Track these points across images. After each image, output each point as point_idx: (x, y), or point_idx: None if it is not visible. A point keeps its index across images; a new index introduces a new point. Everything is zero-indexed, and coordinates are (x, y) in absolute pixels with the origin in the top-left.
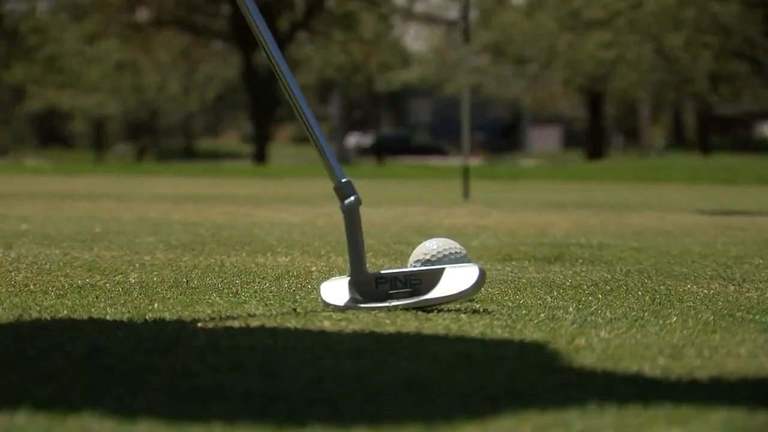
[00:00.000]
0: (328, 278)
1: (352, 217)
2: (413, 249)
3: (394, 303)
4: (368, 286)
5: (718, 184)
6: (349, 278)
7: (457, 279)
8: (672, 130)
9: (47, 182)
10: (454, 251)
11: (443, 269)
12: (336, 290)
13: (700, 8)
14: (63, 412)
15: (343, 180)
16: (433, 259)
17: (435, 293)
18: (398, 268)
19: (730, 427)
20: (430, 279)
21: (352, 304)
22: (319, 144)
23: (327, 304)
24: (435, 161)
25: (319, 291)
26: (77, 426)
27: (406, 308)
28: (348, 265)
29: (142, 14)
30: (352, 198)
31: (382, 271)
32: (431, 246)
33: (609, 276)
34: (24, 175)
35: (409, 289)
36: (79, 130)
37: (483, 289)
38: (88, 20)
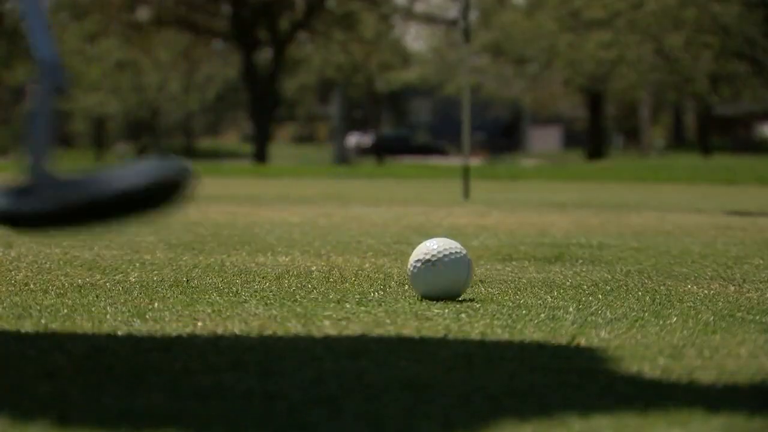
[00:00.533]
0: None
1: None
2: (413, 249)
3: None
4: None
5: (718, 185)
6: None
7: None
8: (672, 130)
9: None
10: (455, 251)
11: None
12: None
13: (700, 8)
14: (63, 411)
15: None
16: (434, 258)
17: None
18: None
19: (731, 428)
20: None
21: None
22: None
23: None
24: (435, 161)
25: None
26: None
27: None
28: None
29: (143, 13)
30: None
31: None
32: (431, 246)
33: (609, 276)
34: None
35: None
36: (79, 130)
37: (484, 289)
38: (89, 19)
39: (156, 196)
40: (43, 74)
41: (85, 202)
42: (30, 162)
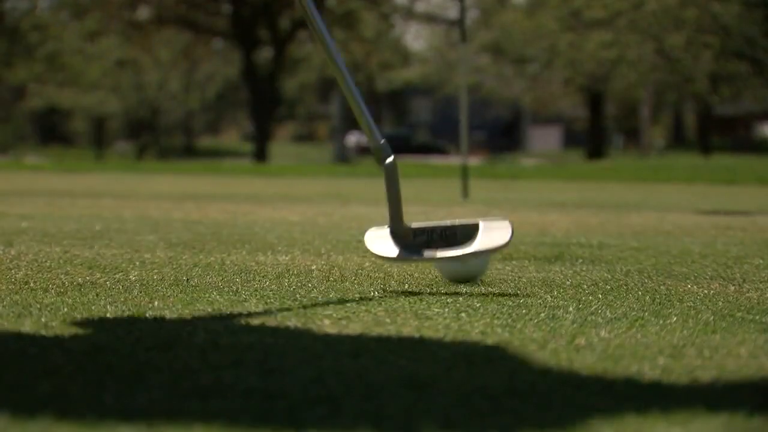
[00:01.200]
0: (369, 228)
1: (391, 175)
2: None
3: (432, 253)
4: (407, 238)
5: (718, 184)
6: (389, 229)
7: (491, 234)
8: (672, 130)
9: (48, 180)
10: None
11: (477, 224)
12: (380, 241)
13: (700, 8)
14: (63, 408)
15: (382, 141)
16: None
17: (472, 247)
18: (434, 222)
19: (731, 427)
20: (464, 233)
21: (403, 255)
22: (359, 106)
23: (376, 255)
24: (435, 160)
25: (365, 241)
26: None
27: (444, 260)
28: (388, 218)
29: (143, 12)
30: (391, 158)
31: (418, 224)
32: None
33: (609, 276)
34: (24, 173)
35: (445, 242)
36: (79, 128)
37: (484, 288)
38: (89, 18)
39: None
40: None
41: None
42: None
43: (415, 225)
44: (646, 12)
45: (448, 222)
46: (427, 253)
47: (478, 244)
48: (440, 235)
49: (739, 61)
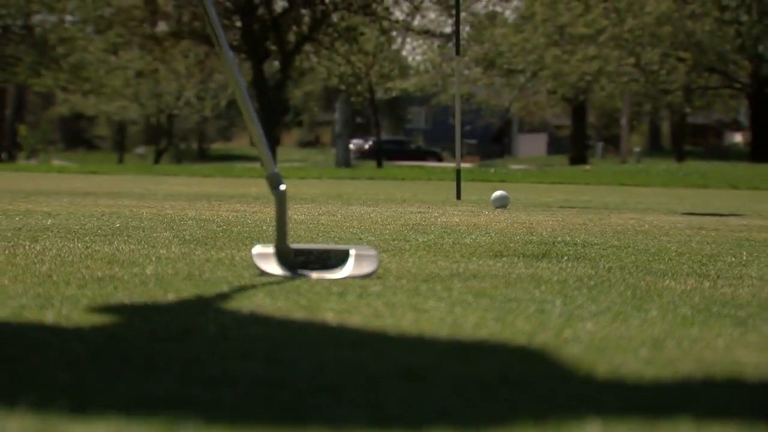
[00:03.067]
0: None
1: (281, 201)
2: (411, 246)
3: (306, 273)
4: (288, 257)
5: (691, 188)
6: (275, 248)
7: (360, 262)
8: (648, 137)
9: (72, 181)
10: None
11: (348, 251)
12: (266, 258)
13: (675, 26)
14: (81, 396)
15: (275, 171)
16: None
17: (342, 273)
18: (312, 244)
19: (710, 413)
20: (337, 257)
21: (284, 272)
22: (258, 135)
23: (262, 271)
24: (430, 165)
25: (253, 257)
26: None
27: (315, 279)
28: (276, 238)
29: (162, 27)
30: (283, 186)
31: (298, 246)
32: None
33: (593, 272)
34: (51, 175)
35: (319, 265)
36: (102, 134)
37: (477, 283)
38: (112, 32)
39: None
40: None
41: None
42: None
43: (295, 246)
44: (625, 29)
45: (324, 246)
46: (304, 273)
47: (348, 270)
48: (317, 257)
49: (711, 74)
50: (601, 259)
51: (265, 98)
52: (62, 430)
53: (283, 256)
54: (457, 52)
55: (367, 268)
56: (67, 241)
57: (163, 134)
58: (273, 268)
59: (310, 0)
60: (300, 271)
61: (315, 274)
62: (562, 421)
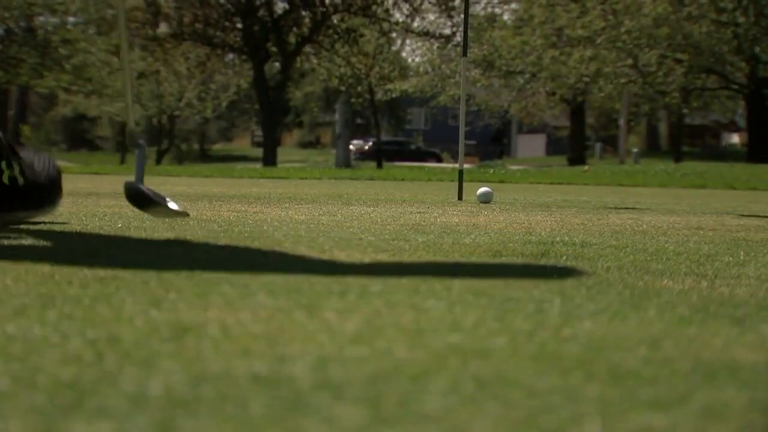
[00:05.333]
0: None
1: (142, 152)
2: (410, 245)
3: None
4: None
5: (689, 189)
6: (144, 188)
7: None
8: (646, 138)
9: (75, 181)
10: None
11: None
12: (154, 202)
13: (673, 27)
14: (82, 393)
15: (134, 126)
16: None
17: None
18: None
19: (709, 412)
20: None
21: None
22: (129, 89)
23: (173, 212)
24: (430, 166)
25: (169, 207)
26: (96, 405)
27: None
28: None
29: (163, 29)
30: (143, 140)
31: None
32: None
33: (591, 272)
34: None
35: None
36: (105, 134)
37: (475, 283)
38: (114, 34)
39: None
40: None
41: None
42: None
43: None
44: (622, 31)
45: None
46: (172, 204)
47: (174, 205)
48: (156, 194)
49: (708, 76)
50: (600, 259)
51: (265, 99)
52: (62, 429)
53: (143, 191)
54: (464, 54)
55: (178, 207)
56: (69, 241)
57: (165, 135)
58: (172, 204)
59: (311, 1)
60: (168, 200)
61: (171, 204)
62: (560, 420)
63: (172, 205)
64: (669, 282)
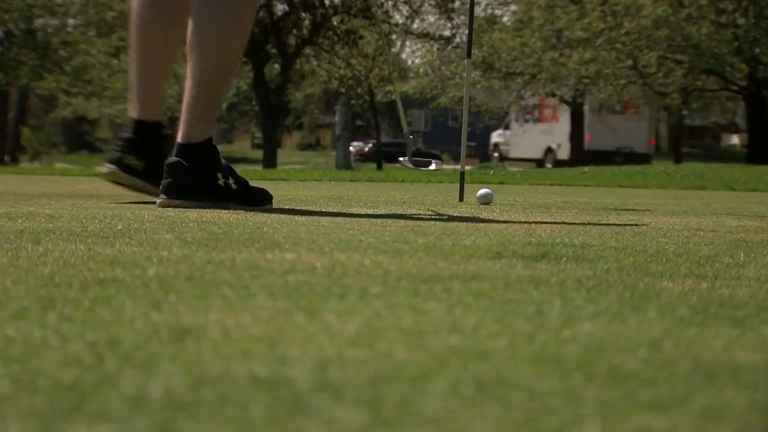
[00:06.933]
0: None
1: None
2: (410, 247)
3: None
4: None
5: (689, 190)
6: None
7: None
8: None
9: (75, 183)
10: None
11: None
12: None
13: (673, 28)
14: (82, 395)
15: None
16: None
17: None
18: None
19: (710, 413)
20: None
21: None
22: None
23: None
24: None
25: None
26: (96, 407)
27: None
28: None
29: None
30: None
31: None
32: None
33: (591, 273)
34: (53, 177)
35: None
36: (105, 136)
37: (476, 284)
38: (114, 36)
39: None
40: None
41: None
42: None
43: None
44: (622, 32)
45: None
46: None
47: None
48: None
49: (708, 77)
50: (600, 261)
51: (265, 101)
52: (62, 430)
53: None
54: (468, 55)
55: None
56: (69, 244)
57: (165, 137)
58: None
59: (310, 3)
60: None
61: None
62: (560, 422)
63: (432, 166)
64: (669, 283)
